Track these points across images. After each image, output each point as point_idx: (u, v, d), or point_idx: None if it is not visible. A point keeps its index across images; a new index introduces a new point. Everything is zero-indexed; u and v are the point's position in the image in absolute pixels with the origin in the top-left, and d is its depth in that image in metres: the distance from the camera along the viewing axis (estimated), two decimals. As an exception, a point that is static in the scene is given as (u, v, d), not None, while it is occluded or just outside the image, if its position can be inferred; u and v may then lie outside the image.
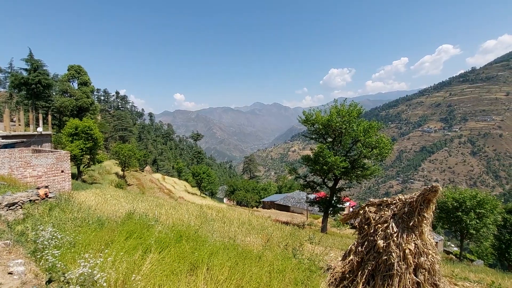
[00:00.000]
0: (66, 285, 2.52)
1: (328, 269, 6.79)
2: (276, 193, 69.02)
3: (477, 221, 19.88)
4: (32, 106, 48.75)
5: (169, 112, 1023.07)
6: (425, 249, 5.50)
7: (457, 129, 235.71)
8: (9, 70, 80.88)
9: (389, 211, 6.05)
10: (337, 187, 23.23)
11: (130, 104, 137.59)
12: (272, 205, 53.92)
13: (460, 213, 20.54)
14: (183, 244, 4.12)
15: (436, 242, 32.51)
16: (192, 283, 3.16)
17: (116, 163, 49.92)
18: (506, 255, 20.21)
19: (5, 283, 2.43)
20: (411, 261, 5.43)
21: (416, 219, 5.56)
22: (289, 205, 49.79)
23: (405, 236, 5.60)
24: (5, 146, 21.51)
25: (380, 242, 5.84)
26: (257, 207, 55.17)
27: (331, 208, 22.91)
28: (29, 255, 3.73)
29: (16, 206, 8.04)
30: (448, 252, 30.95)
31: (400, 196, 6.06)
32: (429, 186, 5.28)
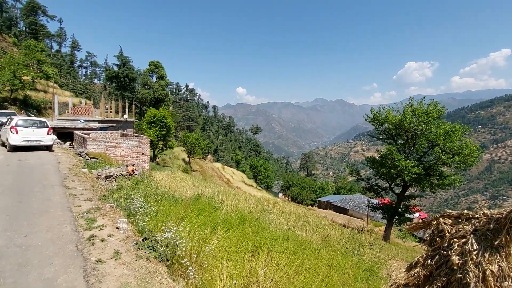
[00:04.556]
0: (156, 244, 3.07)
1: (390, 276, 6.42)
2: (334, 193, 66.44)
3: None
4: (120, 96, 57.34)
5: (230, 105, 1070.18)
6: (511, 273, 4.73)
7: None
8: (105, 66, 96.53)
9: (470, 225, 5.32)
10: (405, 194, 21.13)
11: (197, 96, 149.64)
12: (329, 206, 52.18)
13: None
14: (246, 227, 4.47)
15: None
16: (255, 262, 3.42)
17: (184, 150, 55.12)
18: None
19: (115, 235, 3.10)
20: (492, 284, 4.72)
21: (503, 238, 4.80)
22: (348, 208, 47.41)
23: (487, 256, 4.88)
24: (101, 129, 26.01)
25: (455, 258, 5.21)
26: (312, 206, 54.16)
27: (396, 217, 21.00)
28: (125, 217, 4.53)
29: (111, 179, 9.74)
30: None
31: (485, 211, 5.28)
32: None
